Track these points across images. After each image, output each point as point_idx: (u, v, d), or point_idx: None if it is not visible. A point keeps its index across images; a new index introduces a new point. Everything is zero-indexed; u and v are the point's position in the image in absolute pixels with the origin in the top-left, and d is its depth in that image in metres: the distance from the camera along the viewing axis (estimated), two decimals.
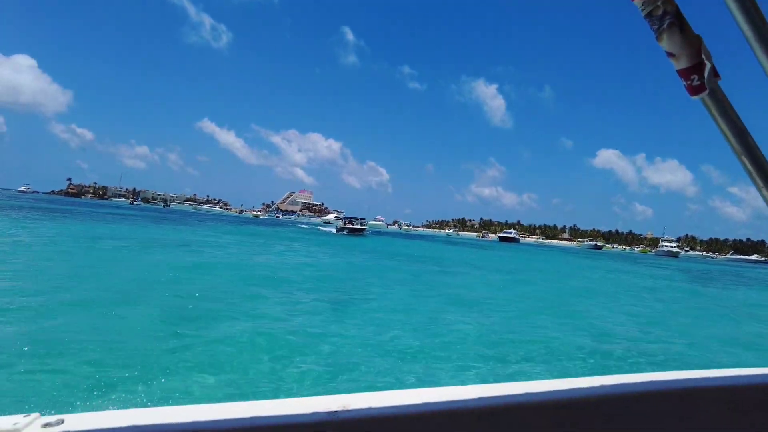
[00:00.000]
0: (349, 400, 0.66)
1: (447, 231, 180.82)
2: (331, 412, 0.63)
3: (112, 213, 59.42)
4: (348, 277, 16.19)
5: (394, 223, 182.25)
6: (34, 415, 0.58)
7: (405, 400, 0.68)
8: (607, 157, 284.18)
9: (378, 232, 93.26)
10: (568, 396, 0.73)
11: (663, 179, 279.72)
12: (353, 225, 56.38)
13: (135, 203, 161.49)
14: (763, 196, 0.60)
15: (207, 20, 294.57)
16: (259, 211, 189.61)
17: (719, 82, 0.55)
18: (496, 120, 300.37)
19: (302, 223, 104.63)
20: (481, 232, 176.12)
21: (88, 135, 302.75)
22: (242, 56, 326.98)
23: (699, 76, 0.52)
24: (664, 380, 0.80)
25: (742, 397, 0.84)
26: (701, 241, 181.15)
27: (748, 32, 0.51)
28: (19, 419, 0.57)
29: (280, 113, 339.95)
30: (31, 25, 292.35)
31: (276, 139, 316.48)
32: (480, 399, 0.70)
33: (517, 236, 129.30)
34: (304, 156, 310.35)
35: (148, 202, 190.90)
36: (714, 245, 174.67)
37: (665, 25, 0.51)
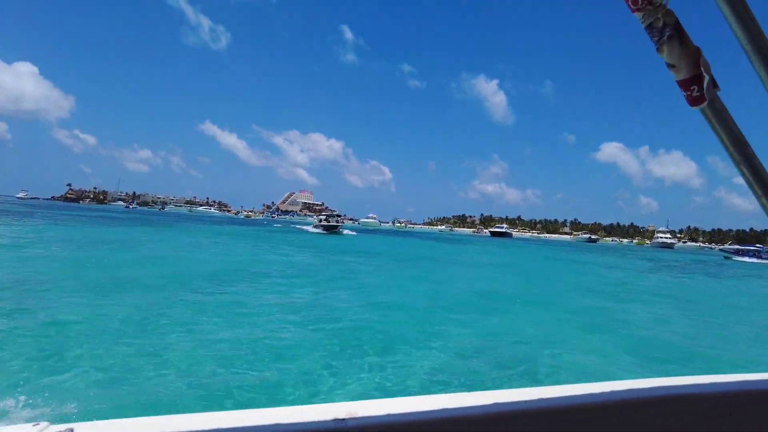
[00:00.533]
0: (356, 407, 0.65)
1: (440, 227, 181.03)
2: (338, 420, 0.62)
3: (95, 216, 59.63)
4: (251, 275, 15.86)
5: (394, 221, 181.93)
6: (43, 424, 0.58)
7: (414, 407, 0.66)
8: (610, 151, 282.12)
9: (367, 230, 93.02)
10: (580, 401, 0.74)
11: (667, 171, 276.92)
12: (329, 222, 56.31)
13: (131, 207, 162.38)
14: (762, 205, 0.61)
15: (205, 22, 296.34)
16: (251, 211, 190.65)
17: (718, 93, 0.56)
18: (497, 116, 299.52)
19: (277, 223, 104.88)
20: (476, 228, 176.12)
21: (91, 140, 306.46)
22: (242, 57, 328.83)
23: (698, 87, 0.54)
24: (668, 386, 0.81)
25: (734, 403, 0.84)
26: (704, 232, 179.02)
27: (747, 45, 0.53)
28: (28, 428, 0.57)
29: (281, 114, 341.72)
30: (31, 33, 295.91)
31: (277, 140, 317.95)
32: (495, 404, 0.69)
33: (508, 231, 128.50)
34: (305, 156, 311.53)
35: (147, 205, 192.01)
36: (716, 236, 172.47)
37: (665, 37, 0.52)
